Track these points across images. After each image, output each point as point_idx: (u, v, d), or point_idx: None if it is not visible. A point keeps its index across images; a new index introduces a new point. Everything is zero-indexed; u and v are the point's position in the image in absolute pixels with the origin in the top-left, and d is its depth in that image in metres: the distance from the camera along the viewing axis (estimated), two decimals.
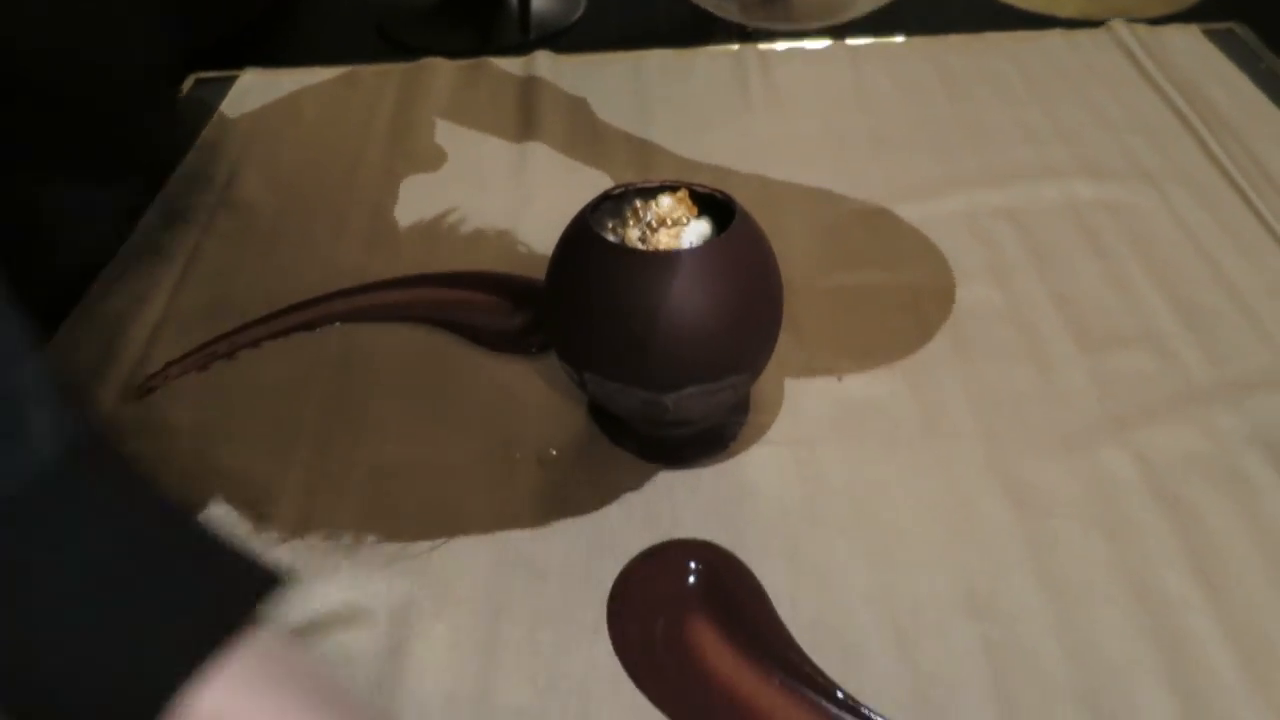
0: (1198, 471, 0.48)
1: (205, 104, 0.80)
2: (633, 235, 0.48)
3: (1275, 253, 0.60)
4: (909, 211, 0.65)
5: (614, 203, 0.49)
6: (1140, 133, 0.70)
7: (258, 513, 0.48)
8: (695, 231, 0.48)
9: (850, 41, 0.83)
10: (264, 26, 0.96)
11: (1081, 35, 0.82)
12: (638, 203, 0.49)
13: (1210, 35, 0.80)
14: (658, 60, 0.82)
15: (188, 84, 0.84)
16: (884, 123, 0.73)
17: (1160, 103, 0.73)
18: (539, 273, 0.49)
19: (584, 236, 0.46)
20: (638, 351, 0.45)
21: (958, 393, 0.53)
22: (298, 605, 0.44)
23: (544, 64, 0.81)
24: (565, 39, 0.89)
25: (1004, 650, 0.41)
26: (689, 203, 0.49)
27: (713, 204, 0.49)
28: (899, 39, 0.83)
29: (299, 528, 0.48)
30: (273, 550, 0.47)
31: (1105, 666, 0.41)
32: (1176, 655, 0.41)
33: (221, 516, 0.48)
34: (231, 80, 0.83)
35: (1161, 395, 0.52)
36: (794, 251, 0.61)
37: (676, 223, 0.48)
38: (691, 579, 0.45)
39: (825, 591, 0.44)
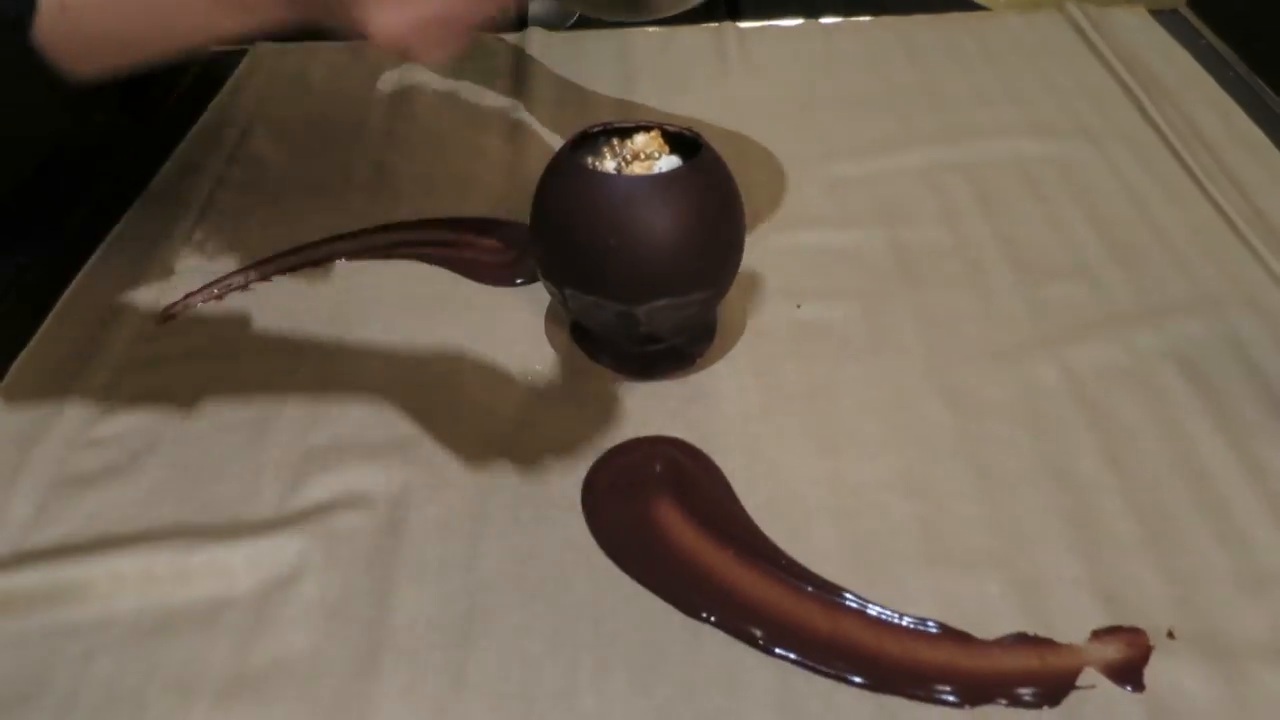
0: (1116, 381, 0.53)
1: (220, 71, 0.85)
2: (609, 167, 0.53)
3: (1201, 200, 0.65)
4: (870, 165, 0.70)
5: (593, 140, 0.55)
6: (1085, 98, 0.76)
7: (266, 417, 0.54)
8: (666, 165, 0.53)
9: (823, 20, 0.88)
10: None
11: (1037, 15, 0.87)
12: (614, 140, 0.55)
13: (1155, 15, 0.86)
14: (642, 35, 0.87)
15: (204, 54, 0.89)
16: (850, 88, 0.79)
17: (1105, 73, 0.79)
18: (526, 216, 0.54)
19: (565, 165, 0.52)
20: (612, 266, 0.50)
21: (905, 317, 0.58)
22: (302, 493, 0.50)
23: (536, 38, 0.87)
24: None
25: (934, 524, 0.47)
26: (661, 140, 0.54)
27: (683, 142, 0.54)
28: (867, 19, 0.88)
29: (305, 429, 0.53)
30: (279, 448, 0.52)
31: (1023, 537, 0.46)
32: (1087, 529, 0.46)
33: (234, 422, 0.54)
34: (244, 51, 0.89)
35: (1089, 319, 0.57)
36: (760, 200, 0.67)
37: (649, 157, 0.54)
38: (657, 465, 0.50)
39: (777, 478, 0.49)
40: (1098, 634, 0.42)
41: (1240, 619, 0.42)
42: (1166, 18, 0.86)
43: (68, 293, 0.63)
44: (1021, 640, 0.42)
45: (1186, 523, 0.46)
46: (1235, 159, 0.69)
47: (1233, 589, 0.44)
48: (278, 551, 0.47)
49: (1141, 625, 0.42)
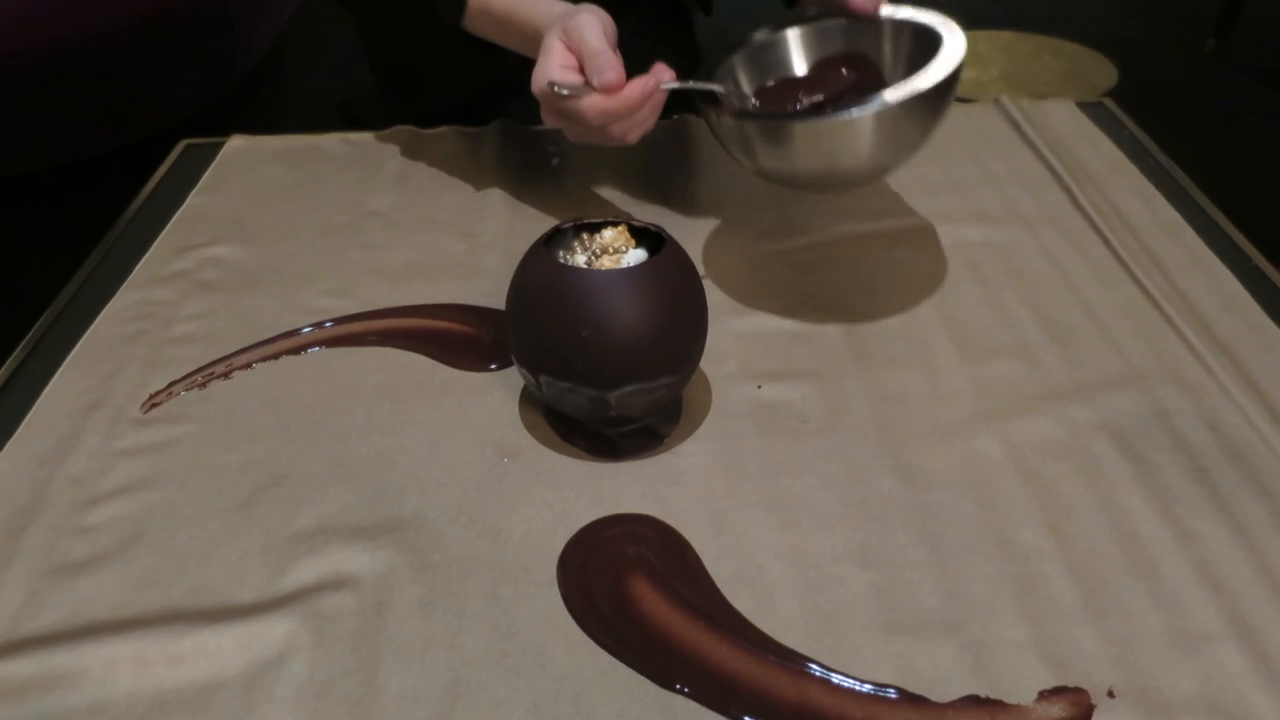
0: (1054, 453, 0.57)
1: (197, 162, 0.89)
2: (580, 260, 0.57)
3: (1126, 280, 0.71)
4: (823, 251, 0.75)
5: (564, 234, 0.58)
6: (1019, 186, 0.82)
7: (252, 502, 0.56)
8: (633, 258, 0.57)
9: None
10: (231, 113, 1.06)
11: (974, 107, 0.94)
12: (584, 235, 0.59)
13: (1083, 107, 0.93)
14: None
15: (177, 149, 0.93)
16: None
17: (1037, 162, 0.85)
18: (497, 303, 0.58)
19: (539, 259, 0.55)
20: (584, 355, 0.54)
21: (859, 395, 0.62)
22: (289, 576, 0.52)
23: (502, 130, 0.92)
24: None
25: (889, 593, 0.50)
26: (628, 234, 0.58)
27: (648, 236, 0.58)
28: None
29: (290, 513, 0.55)
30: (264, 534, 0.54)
31: (972, 603, 0.49)
32: (1031, 594, 0.50)
33: (220, 507, 0.56)
34: (219, 146, 0.92)
35: (1027, 394, 0.61)
36: (722, 286, 0.71)
37: (617, 250, 0.58)
38: (630, 542, 0.53)
39: (743, 552, 0.52)
40: (1044, 694, 0.45)
41: (1174, 676, 0.46)
42: (1093, 109, 0.93)
43: (52, 381, 0.65)
44: (974, 702, 0.45)
45: (1122, 586, 0.50)
46: (1158, 242, 0.75)
47: (1166, 648, 0.47)
48: (266, 633, 0.49)
49: (1084, 685, 0.46)
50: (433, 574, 0.51)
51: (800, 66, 0.75)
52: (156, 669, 0.47)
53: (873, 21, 0.71)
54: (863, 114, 0.60)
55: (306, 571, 0.52)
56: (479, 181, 0.85)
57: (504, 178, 0.85)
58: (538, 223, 0.79)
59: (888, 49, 0.72)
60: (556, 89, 0.64)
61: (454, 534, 0.54)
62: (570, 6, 0.69)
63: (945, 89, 0.63)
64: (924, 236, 0.76)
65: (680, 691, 0.46)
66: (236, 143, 0.92)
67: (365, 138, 0.93)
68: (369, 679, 0.47)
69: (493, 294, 0.71)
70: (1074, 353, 0.65)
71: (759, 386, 0.63)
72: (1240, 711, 0.44)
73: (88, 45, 1.89)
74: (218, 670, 0.47)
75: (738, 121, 0.65)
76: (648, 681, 0.46)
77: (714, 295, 0.58)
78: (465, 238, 0.78)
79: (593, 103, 0.64)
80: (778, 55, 0.75)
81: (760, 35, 0.75)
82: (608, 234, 0.58)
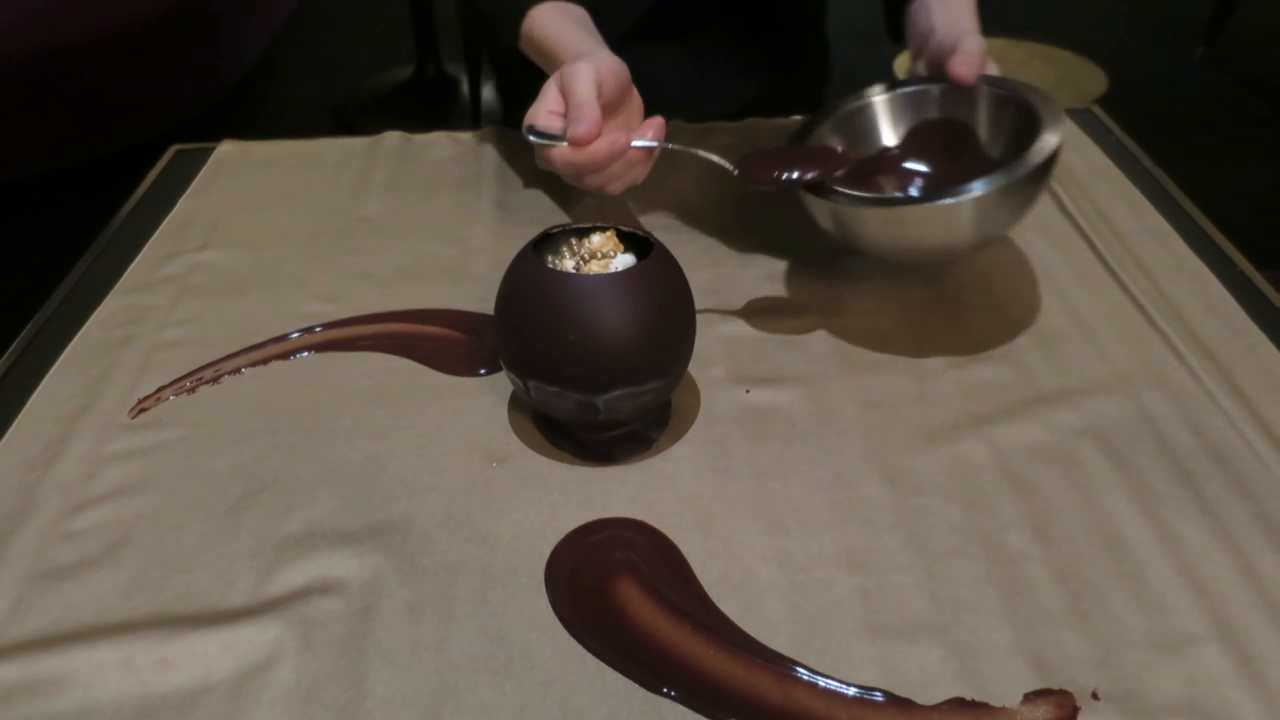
0: (1040, 457, 0.58)
1: (187, 167, 0.89)
2: (568, 265, 0.57)
3: (1112, 286, 0.71)
4: (809, 259, 0.75)
5: (553, 240, 0.59)
6: None
7: (240, 507, 0.56)
8: (621, 263, 0.57)
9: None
10: (223, 118, 1.06)
11: None
12: (573, 240, 0.59)
13: (1071, 114, 0.93)
14: None
15: (168, 155, 0.93)
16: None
17: None
18: (486, 308, 0.58)
19: (527, 264, 0.56)
20: (573, 360, 0.54)
21: (846, 400, 0.62)
22: (277, 580, 0.52)
23: (493, 136, 0.92)
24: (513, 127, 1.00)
25: (876, 596, 0.50)
26: (616, 239, 0.58)
27: (636, 241, 0.58)
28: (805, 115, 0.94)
29: (278, 518, 0.55)
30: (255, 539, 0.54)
31: (959, 607, 0.49)
32: (1016, 597, 0.50)
33: (208, 512, 0.56)
34: (209, 151, 0.92)
35: (1013, 399, 0.62)
36: (709, 292, 0.71)
37: (606, 255, 0.58)
38: (618, 546, 0.53)
39: (730, 556, 0.52)
40: (1029, 697, 0.46)
41: (1158, 679, 0.46)
42: (1080, 116, 0.93)
43: (41, 386, 0.65)
44: (959, 705, 0.45)
45: (1106, 589, 0.50)
46: (1144, 247, 0.75)
47: (1150, 651, 0.47)
48: (254, 638, 0.49)
49: (1068, 687, 0.46)
50: (420, 578, 0.51)
51: (889, 132, 0.75)
52: (143, 674, 0.47)
53: (969, 91, 0.72)
54: (947, 202, 0.60)
55: (294, 576, 0.52)
56: (469, 187, 0.85)
57: (494, 184, 0.86)
58: (527, 228, 0.79)
59: (983, 118, 0.72)
60: (531, 135, 0.67)
61: (442, 538, 0.54)
62: (593, 48, 0.71)
63: (1039, 175, 0.63)
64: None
65: (668, 695, 0.46)
66: (227, 148, 0.93)
67: (356, 143, 0.93)
68: (356, 683, 0.47)
69: (482, 299, 0.71)
70: (1060, 357, 0.65)
71: (747, 391, 0.63)
72: (1224, 714, 0.45)
73: (80, 50, 1.89)
74: (205, 675, 0.47)
75: (829, 206, 0.65)
76: (635, 685, 0.46)
77: (702, 299, 0.58)
78: (455, 243, 0.78)
79: (560, 153, 0.67)
80: (868, 121, 0.75)
81: (851, 102, 0.75)
82: (596, 239, 0.58)
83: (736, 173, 0.68)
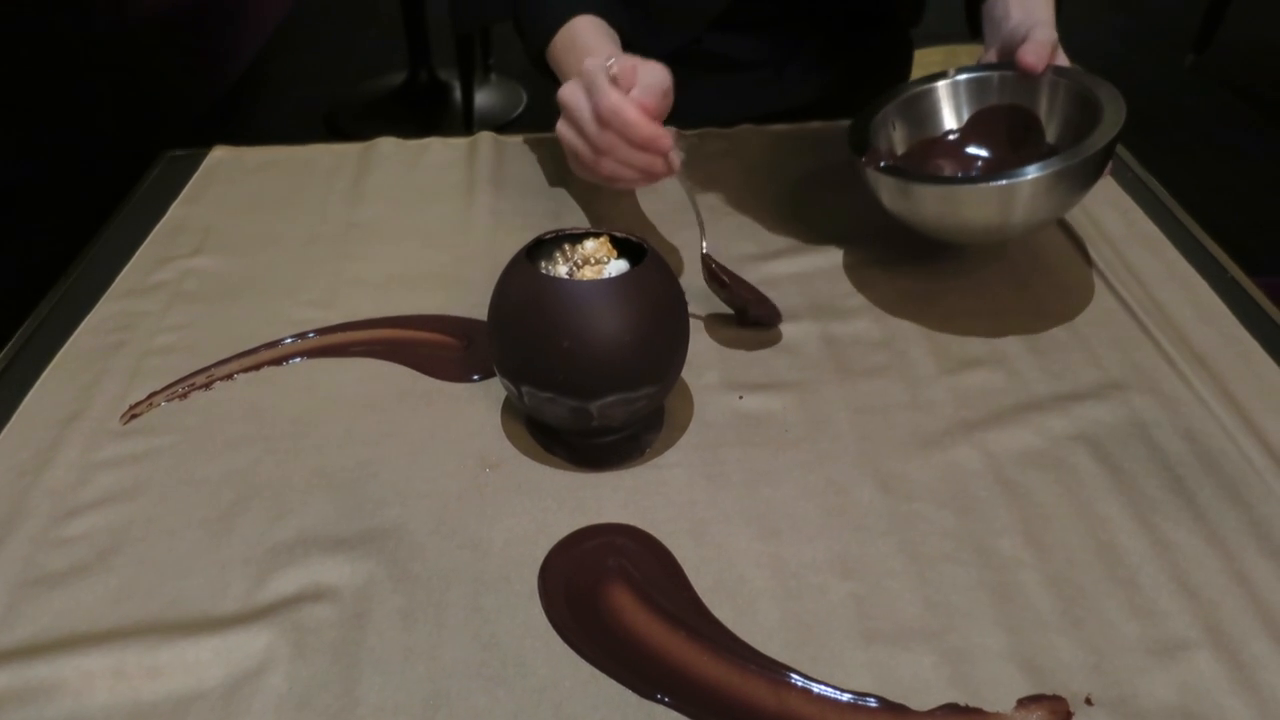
0: (1032, 463, 0.58)
1: (179, 172, 0.89)
2: (561, 271, 0.57)
3: (1104, 291, 0.71)
4: (801, 263, 0.75)
5: (546, 245, 0.59)
6: None
7: (232, 513, 0.56)
8: (615, 269, 0.57)
9: (770, 128, 0.95)
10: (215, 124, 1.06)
11: None
12: (566, 245, 0.59)
13: None
14: None
15: (160, 160, 0.93)
16: (784, 188, 0.84)
17: None
18: (479, 314, 0.58)
19: (521, 270, 0.56)
20: (566, 366, 0.54)
21: (839, 406, 0.62)
22: (269, 587, 0.51)
23: (487, 142, 0.92)
24: (507, 132, 1.00)
25: (869, 602, 0.50)
26: (609, 245, 0.58)
27: (630, 247, 0.58)
28: (815, 124, 0.94)
29: (270, 524, 0.55)
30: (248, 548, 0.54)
31: (952, 612, 0.49)
32: (1009, 602, 0.50)
33: (200, 518, 0.55)
34: (201, 157, 0.92)
35: (1006, 405, 0.62)
36: (702, 297, 0.71)
37: (599, 261, 0.58)
38: (611, 552, 0.53)
39: (724, 561, 0.52)
40: (1023, 702, 0.46)
41: (1151, 684, 0.46)
42: None
43: (32, 392, 0.64)
44: (953, 711, 0.45)
45: (1099, 595, 0.50)
46: (1135, 254, 0.75)
47: (1143, 656, 0.47)
48: (245, 645, 0.48)
49: (1062, 693, 0.46)
50: (413, 585, 0.51)
51: (951, 117, 0.77)
52: (134, 681, 0.47)
53: (1036, 79, 0.72)
54: (1001, 183, 0.62)
55: (286, 583, 0.51)
56: (462, 193, 0.85)
57: (487, 189, 0.86)
58: (520, 234, 0.79)
59: (1045, 104, 0.73)
60: (607, 64, 0.64)
61: (435, 545, 0.53)
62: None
63: (1094, 164, 0.64)
64: (903, 249, 0.77)
65: (661, 701, 0.46)
66: (219, 153, 0.92)
67: (348, 149, 0.93)
68: (349, 690, 0.46)
69: (475, 305, 0.71)
70: (1052, 363, 0.65)
71: (740, 397, 0.63)
72: (1216, 718, 0.45)
73: (72, 57, 1.89)
74: (196, 682, 0.47)
75: (881, 175, 0.68)
76: (629, 691, 0.46)
77: (695, 305, 0.58)
78: (448, 249, 0.78)
79: (613, 103, 0.62)
80: (931, 104, 0.77)
81: (916, 85, 0.77)
82: (589, 245, 0.58)
83: (703, 252, 0.69)
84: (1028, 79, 0.73)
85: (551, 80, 0.80)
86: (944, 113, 0.77)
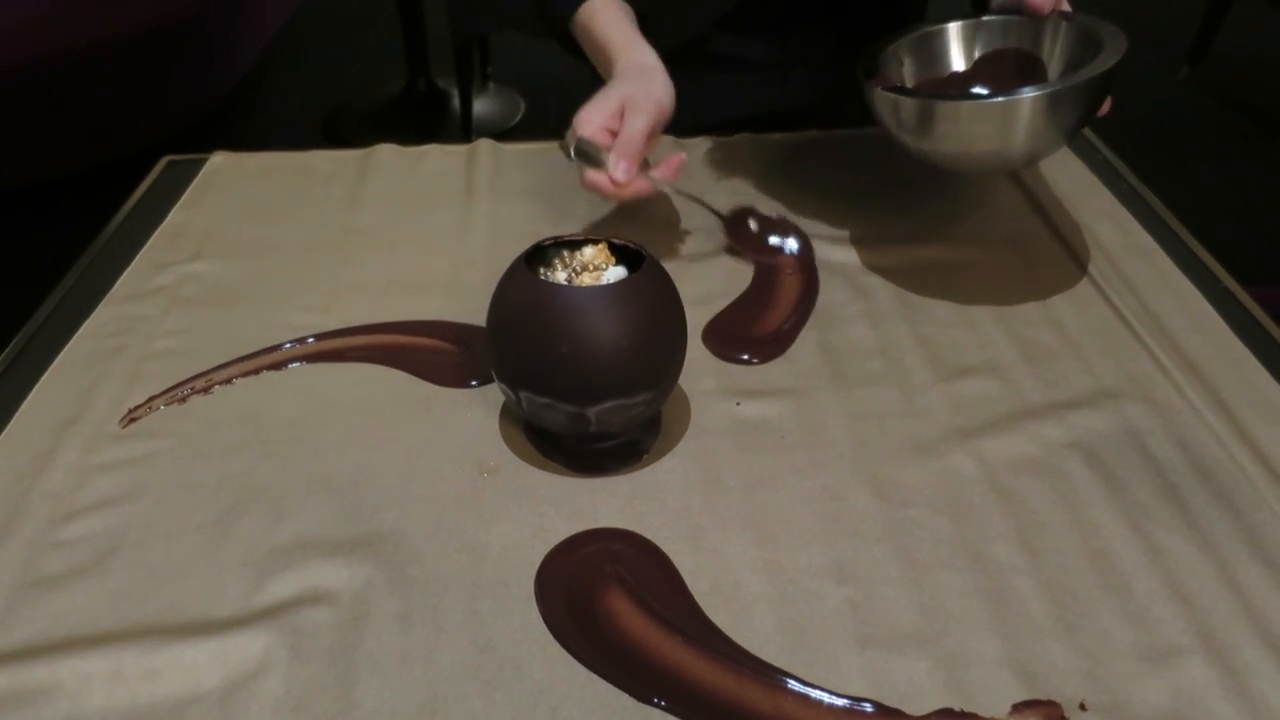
0: (1027, 470, 0.58)
1: (180, 177, 0.89)
2: (560, 277, 0.58)
3: (1099, 301, 0.72)
4: (799, 270, 0.76)
5: (545, 252, 0.59)
6: (993, 208, 0.83)
7: (230, 517, 0.56)
8: (613, 276, 0.58)
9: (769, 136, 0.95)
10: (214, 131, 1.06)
11: None
12: (565, 252, 0.59)
13: None
14: None
15: (160, 165, 0.93)
16: (780, 198, 0.84)
17: (1011, 185, 0.86)
18: (478, 320, 0.58)
19: (520, 276, 0.56)
20: (564, 371, 0.54)
21: (835, 413, 0.62)
22: (266, 590, 0.52)
23: (485, 149, 0.92)
24: (505, 140, 1.00)
25: (865, 608, 0.50)
26: (608, 252, 0.59)
27: (628, 254, 0.59)
28: (796, 133, 0.95)
29: (268, 528, 0.55)
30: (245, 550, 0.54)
31: (947, 618, 0.50)
32: (1004, 608, 0.50)
33: (198, 522, 0.55)
34: (201, 163, 0.93)
35: (1001, 412, 0.62)
36: (700, 305, 0.71)
37: (598, 268, 0.58)
38: (608, 557, 0.53)
39: (720, 567, 0.52)
40: (1017, 707, 0.46)
41: (1144, 690, 0.46)
42: None
43: (30, 395, 0.65)
44: (948, 716, 0.46)
45: (1093, 601, 0.50)
46: (1129, 264, 0.76)
47: (1136, 662, 0.48)
48: (243, 648, 0.48)
49: (1056, 698, 0.46)
50: (410, 589, 0.52)
51: (960, 59, 0.79)
52: (132, 684, 0.47)
53: (1042, 21, 0.75)
54: (1002, 100, 0.65)
55: (284, 586, 0.52)
56: (461, 199, 0.86)
57: (486, 196, 0.86)
58: (518, 241, 0.79)
59: (1050, 47, 0.75)
60: (575, 151, 0.71)
61: (432, 549, 0.54)
62: (650, 65, 0.75)
63: (1092, 89, 0.67)
64: (899, 256, 0.77)
65: (658, 705, 0.46)
66: (219, 159, 0.93)
67: (347, 155, 0.93)
68: (346, 693, 0.47)
69: (473, 311, 0.71)
70: (1047, 372, 0.65)
71: (737, 403, 0.63)
72: None
73: (72, 62, 1.89)
74: (193, 685, 0.47)
75: (894, 98, 0.70)
76: (625, 695, 0.46)
77: (693, 312, 0.58)
78: (446, 255, 0.78)
79: (594, 179, 0.70)
80: (940, 45, 0.80)
81: (925, 27, 0.80)
82: (588, 251, 0.59)
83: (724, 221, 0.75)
84: (1034, 23, 0.75)
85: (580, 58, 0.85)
86: (952, 53, 0.80)
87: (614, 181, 0.69)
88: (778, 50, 0.94)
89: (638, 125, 0.70)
